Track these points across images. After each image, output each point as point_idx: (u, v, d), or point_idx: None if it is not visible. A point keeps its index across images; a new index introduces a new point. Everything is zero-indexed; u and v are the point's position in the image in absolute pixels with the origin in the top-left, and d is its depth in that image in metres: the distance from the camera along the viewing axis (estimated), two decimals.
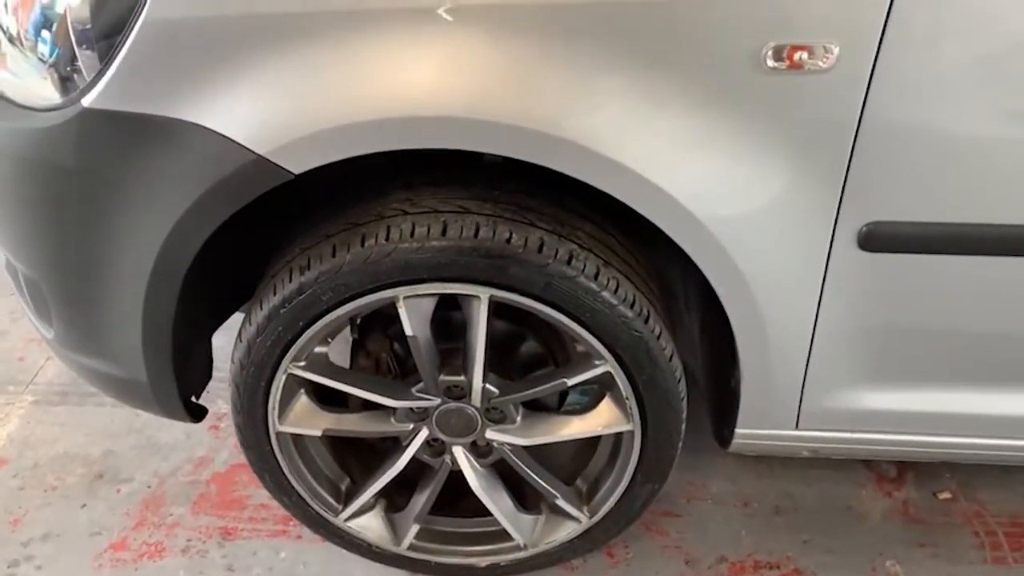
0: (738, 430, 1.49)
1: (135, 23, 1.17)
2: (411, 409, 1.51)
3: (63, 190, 1.32)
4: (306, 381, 1.48)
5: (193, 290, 1.35)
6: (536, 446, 1.55)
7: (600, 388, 1.48)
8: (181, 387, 1.49)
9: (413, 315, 1.36)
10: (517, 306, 1.33)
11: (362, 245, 1.29)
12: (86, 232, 1.33)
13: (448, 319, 1.47)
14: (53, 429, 2.14)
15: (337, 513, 1.63)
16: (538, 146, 1.16)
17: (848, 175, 1.18)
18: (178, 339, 1.41)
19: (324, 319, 1.36)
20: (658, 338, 1.37)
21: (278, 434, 1.52)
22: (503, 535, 1.65)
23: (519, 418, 1.52)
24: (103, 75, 1.21)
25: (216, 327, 1.64)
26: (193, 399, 1.58)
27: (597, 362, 1.39)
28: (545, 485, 1.57)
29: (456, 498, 1.66)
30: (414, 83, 1.14)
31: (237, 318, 1.56)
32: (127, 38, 1.18)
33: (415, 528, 1.64)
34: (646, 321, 1.35)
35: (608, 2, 1.10)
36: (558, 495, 1.58)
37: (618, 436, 1.52)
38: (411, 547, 1.67)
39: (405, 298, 1.33)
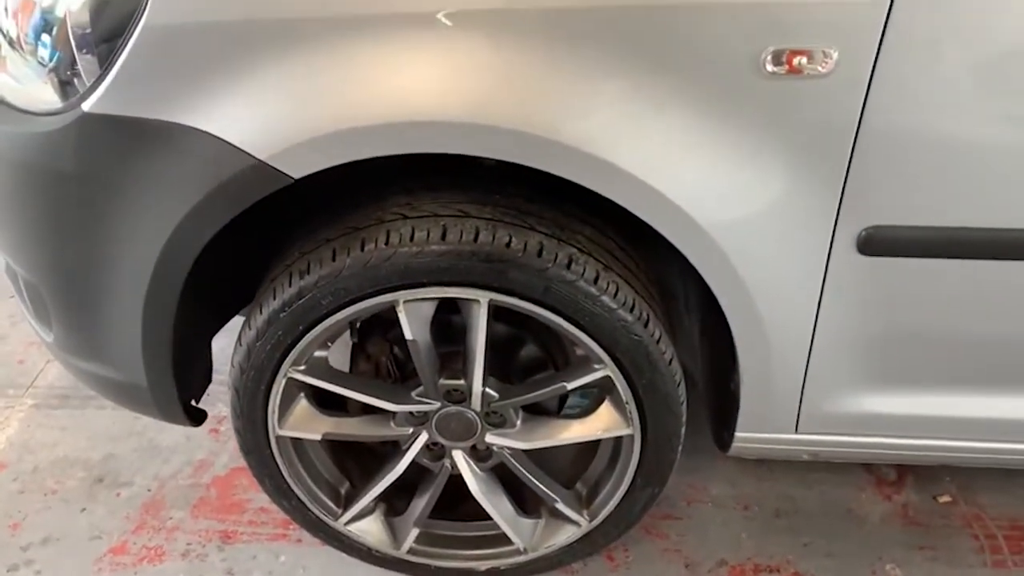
0: (738, 434, 1.49)
1: (135, 28, 1.17)
2: (411, 413, 1.51)
3: (63, 194, 1.32)
4: (306, 385, 1.48)
5: (193, 294, 1.35)
6: (536, 450, 1.55)
7: (600, 392, 1.48)
8: (181, 391, 1.49)
9: (413, 319, 1.36)
10: (517, 310, 1.33)
11: (362, 249, 1.29)
12: (86, 236, 1.33)
13: (448, 323, 1.47)
14: (53, 433, 2.14)
15: (337, 517, 1.63)
16: (538, 151, 1.16)
17: (847, 179, 1.18)
18: (178, 343, 1.41)
19: (324, 323, 1.36)
20: (658, 342, 1.37)
21: (278, 438, 1.52)
22: (503, 539, 1.65)
23: (519, 422, 1.52)
24: (103, 80, 1.21)
25: (216, 330, 1.64)
26: (193, 403, 1.58)
27: (597, 366, 1.39)
28: (545, 489, 1.57)
29: (456, 502, 1.66)
30: (413, 88, 1.14)
31: (237, 321, 1.56)
32: (127, 43, 1.18)
33: (415, 532, 1.64)
34: (646, 325, 1.35)
35: (609, 7, 1.10)
36: (558, 499, 1.58)
37: (618, 440, 1.52)
38: (411, 551, 1.67)
39: (405, 302, 1.33)
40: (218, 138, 1.18)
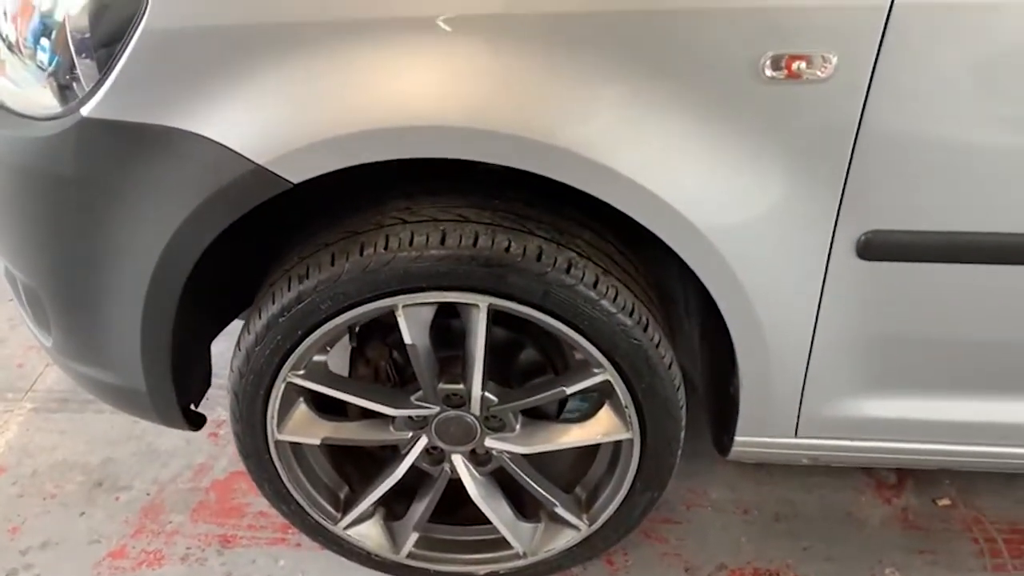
0: (737, 438, 1.49)
1: (134, 33, 1.17)
2: (410, 417, 1.51)
3: (62, 199, 1.32)
4: (305, 389, 1.48)
5: (192, 298, 1.35)
6: (535, 454, 1.54)
7: (599, 396, 1.48)
8: (180, 395, 1.49)
9: (412, 324, 1.36)
10: (516, 314, 1.33)
11: (361, 254, 1.29)
12: (85, 241, 1.33)
13: (447, 327, 1.47)
14: (52, 436, 2.14)
15: (336, 521, 1.63)
16: (537, 155, 1.16)
17: (846, 184, 1.18)
18: (177, 347, 1.41)
19: (323, 328, 1.36)
20: (657, 346, 1.37)
21: (277, 443, 1.52)
22: (502, 543, 1.65)
23: (518, 426, 1.52)
24: (102, 85, 1.21)
25: (215, 335, 1.64)
26: (192, 407, 1.58)
27: (596, 370, 1.39)
28: (544, 493, 1.57)
29: (455, 506, 1.65)
30: (412, 92, 1.14)
31: (237, 325, 1.56)
32: (126, 48, 1.18)
33: (414, 536, 1.64)
34: (645, 329, 1.35)
35: (608, 12, 1.10)
36: (557, 503, 1.58)
37: (617, 444, 1.52)
38: (410, 555, 1.67)
39: (404, 307, 1.33)
40: (217, 143, 1.18)
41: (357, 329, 1.56)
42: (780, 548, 1.83)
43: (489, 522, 1.61)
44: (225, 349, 1.53)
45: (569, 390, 1.43)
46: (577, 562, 1.72)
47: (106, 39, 1.21)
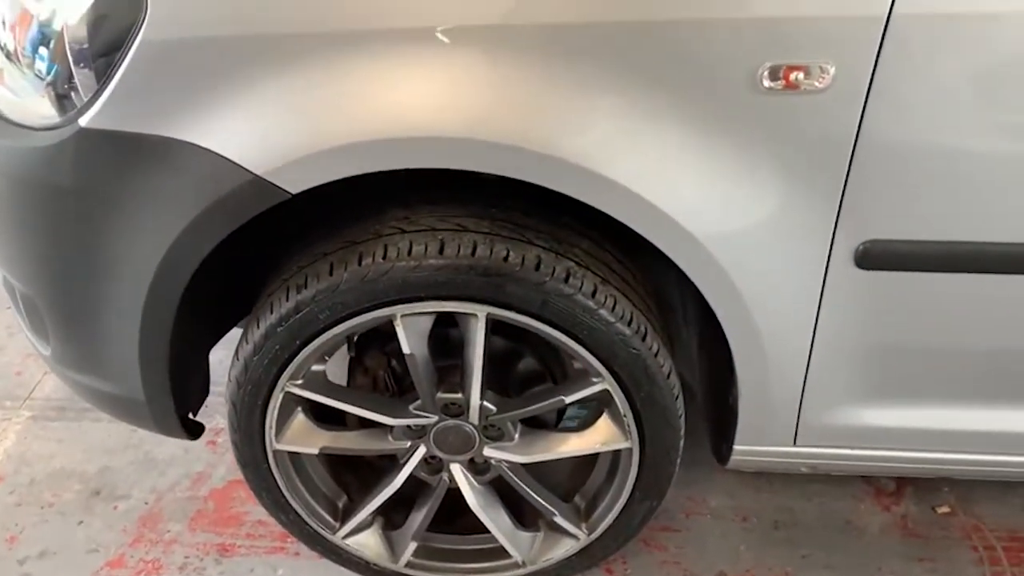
0: (736, 446, 1.49)
1: (132, 43, 1.17)
2: (408, 427, 1.51)
3: (60, 209, 1.32)
4: (303, 399, 1.48)
5: (190, 307, 1.35)
6: (534, 463, 1.54)
7: (598, 405, 1.48)
8: (178, 404, 1.49)
9: (411, 333, 1.36)
10: (514, 324, 1.33)
11: (359, 263, 1.29)
12: (83, 251, 1.33)
13: (446, 336, 1.47)
14: (50, 445, 2.13)
15: (334, 531, 1.63)
16: (536, 166, 1.16)
17: (845, 194, 1.18)
18: (175, 356, 1.41)
19: (321, 337, 1.36)
20: (656, 355, 1.37)
21: (275, 452, 1.52)
22: (501, 552, 1.65)
23: (517, 435, 1.51)
24: (100, 95, 1.21)
25: (213, 343, 1.63)
26: (190, 416, 1.57)
27: (595, 379, 1.39)
28: (543, 502, 1.57)
29: (454, 515, 1.65)
30: (411, 104, 1.14)
31: (236, 333, 1.55)
32: (124, 58, 1.18)
33: (413, 545, 1.64)
34: (644, 339, 1.35)
35: (607, 23, 1.10)
36: (556, 512, 1.57)
37: (616, 453, 1.52)
38: (409, 564, 1.67)
39: (403, 316, 1.33)
40: (215, 153, 1.18)
41: (355, 338, 1.56)
42: (779, 556, 1.83)
43: (488, 531, 1.61)
44: (224, 357, 1.53)
45: (568, 399, 1.43)
46: (576, 571, 1.71)
47: (104, 49, 1.21)
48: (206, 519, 1.92)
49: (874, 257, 1.23)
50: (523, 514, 1.66)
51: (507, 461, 1.53)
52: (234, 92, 1.17)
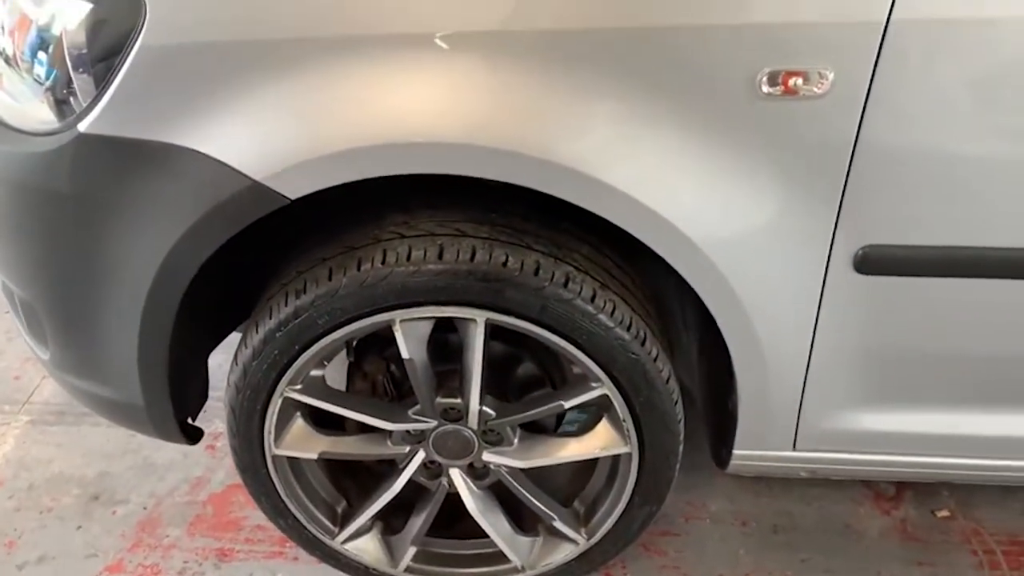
0: (736, 451, 1.49)
1: (131, 49, 1.17)
2: (407, 432, 1.51)
3: (59, 215, 1.32)
4: (302, 404, 1.48)
5: (189, 312, 1.35)
6: (533, 468, 1.54)
7: (597, 410, 1.48)
8: (177, 409, 1.49)
9: (410, 338, 1.36)
10: (514, 329, 1.33)
11: (358, 268, 1.29)
12: (82, 256, 1.33)
13: (445, 341, 1.47)
14: (49, 449, 2.13)
15: (333, 535, 1.63)
16: (535, 172, 1.16)
17: (843, 199, 1.18)
18: (174, 361, 1.41)
19: (320, 342, 1.35)
20: (655, 360, 1.36)
21: (274, 457, 1.52)
22: (500, 557, 1.64)
23: (516, 440, 1.51)
24: (99, 101, 1.21)
25: (212, 348, 1.63)
26: (189, 420, 1.57)
27: (594, 384, 1.39)
28: (542, 507, 1.57)
29: (453, 520, 1.65)
30: (410, 109, 1.14)
31: (235, 337, 1.55)
32: (123, 64, 1.18)
33: (412, 550, 1.64)
34: (643, 343, 1.34)
35: (606, 29, 1.10)
36: (555, 517, 1.57)
37: (616, 458, 1.52)
38: (408, 569, 1.67)
39: (401, 321, 1.33)
40: (214, 159, 1.18)
41: (354, 343, 1.56)
42: (778, 560, 1.82)
43: (487, 536, 1.61)
44: (223, 361, 1.53)
45: (567, 404, 1.43)
46: None
47: (103, 54, 1.21)
48: (205, 524, 1.92)
49: (873, 262, 1.23)
50: (522, 519, 1.65)
51: (506, 466, 1.53)
52: (233, 97, 1.17)
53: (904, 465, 1.50)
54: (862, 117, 1.12)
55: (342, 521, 1.64)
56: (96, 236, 1.30)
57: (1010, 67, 1.11)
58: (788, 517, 1.92)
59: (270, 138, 1.17)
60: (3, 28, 1.33)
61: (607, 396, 1.39)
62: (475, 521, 1.59)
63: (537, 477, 1.58)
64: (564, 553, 1.64)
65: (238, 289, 1.52)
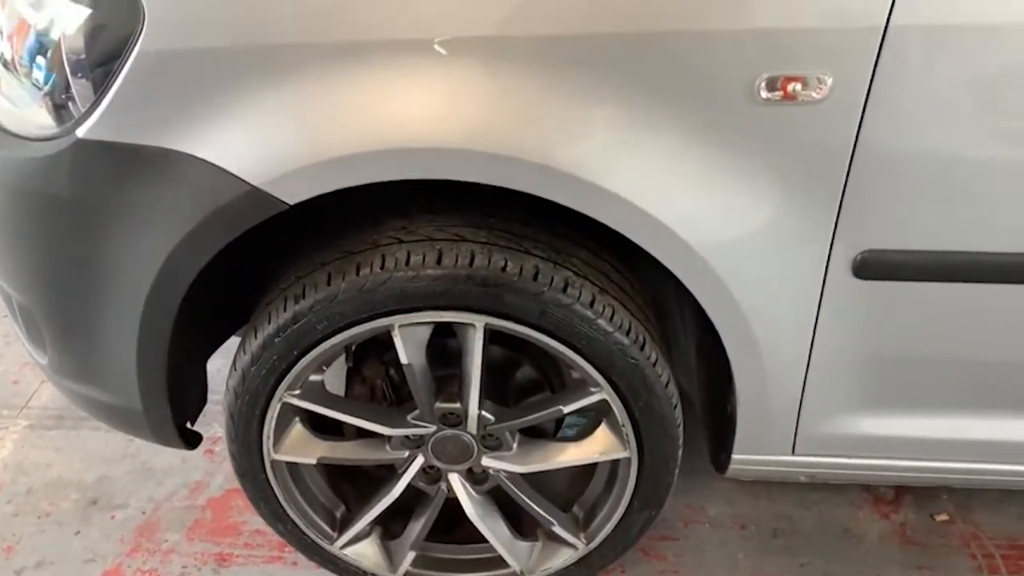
0: (735, 455, 1.49)
1: (129, 54, 1.17)
2: (407, 436, 1.51)
3: (57, 219, 1.32)
4: (301, 409, 1.47)
5: (188, 317, 1.35)
6: (532, 473, 1.54)
7: (596, 415, 1.48)
8: (175, 414, 1.49)
9: (408, 343, 1.36)
10: (513, 334, 1.33)
11: (357, 274, 1.29)
12: (80, 261, 1.33)
13: (444, 345, 1.47)
14: (47, 454, 2.13)
15: (332, 540, 1.63)
16: (534, 177, 1.16)
17: (842, 204, 1.18)
18: (172, 366, 1.41)
19: (319, 348, 1.35)
20: (654, 365, 1.36)
21: (273, 462, 1.52)
22: (499, 562, 1.64)
23: (515, 445, 1.51)
24: (97, 106, 1.21)
25: (211, 352, 1.63)
26: (188, 425, 1.57)
27: (593, 389, 1.39)
28: (541, 512, 1.56)
29: (452, 525, 1.65)
30: (409, 115, 1.14)
31: (233, 341, 1.55)
32: (122, 69, 1.18)
33: (411, 555, 1.64)
34: (642, 348, 1.34)
35: (605, 34, 1.10)
36: (555, 522, 1.57)
37: (615, 463, 1.52)
38: (407, 574, 1.67)
39: (400, 327, 1.33)
40: (213, 165, 1.18)
41: (353, 348, 1.55)
42: (777, 564, 1.82)
43: (486, 541, 1.61)
44: (222, 366, 1.53)
45: (566, 409, 1.43)
46: None
47: (102, 60, 1.21)
48: (204, 528, 1.92)
49: (871, 267, 1.23)
50: (521, 523, 1.65)
51: (505, 470, 1.53)
52: (232, 103, 1.17)
53: (903, 469, 1.50)
54: (861, 122, 1.12)
55: (341, 526, 1.64)
56: (95, 241, 1.29)
57: (1008, 72, 1.11)
58: (787, 521, 1.92)
59: (268, 143, 1.17)
60: (2, 33, 1.33)
61: (606, 401, 1.39)
62: (474, 526, 1.59)
63: (536, 482, 1.58)
64: (563, 558, 1.64)
65: (237, 294, 1.51)
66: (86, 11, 1.21)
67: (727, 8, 1.08)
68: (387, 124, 1.15)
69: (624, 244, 1.23)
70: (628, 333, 1.33)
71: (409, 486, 1.56)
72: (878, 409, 1.41)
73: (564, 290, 1.28)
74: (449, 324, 1.34)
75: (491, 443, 1.51)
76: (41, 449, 2.14)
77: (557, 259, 1.30)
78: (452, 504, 1.58)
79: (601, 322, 1.30)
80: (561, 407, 1.43)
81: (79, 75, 1.23)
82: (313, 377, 1.44)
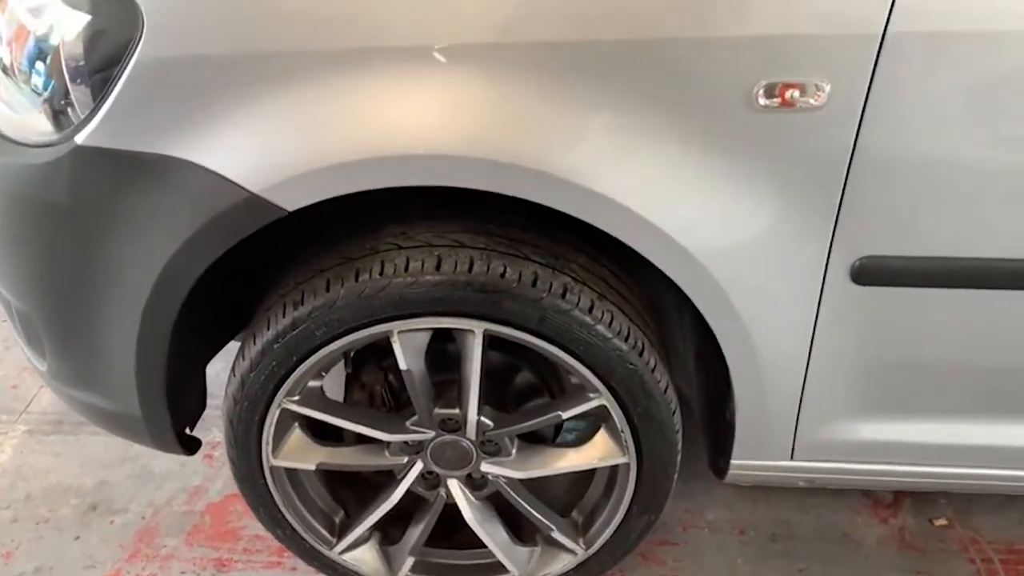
0: (734, 461, 1.49)
1: (128, 61, 1.17)
2: (405, 442, 1.50)
3: (56, 226, 1.32)
4: (300, 415, 1.47)
5: (187, 323, 1.35)
6: (531, 478, 1.54)
7: (595, 420, 1.48)
8: (175, 420, 1.49)
9: (407, 349, 1.36)
10: (512, 340, 1.33)
11: (356, 280, 1.29)
12: (80, 268, 1.33)
13: (443, 350, 1.47)
14: (46, 459, 2.12)
15: (331, 546, 1.63)
16: (533, 183, 1.16)
17: (841, 210, 1.19)
18: (171, 372, 1.41)
19: (318, 354, 1.35)
20: (653, 371, 1.36)
21: (272, 468, 1.52)
22: (498, 567, 1.64)
23: (514, 451, 1.51)
24: (97, 112, 1.21)
25: (210, 358, 1.63)
26: (187, 430, 1.57)
27: (592, 395, 1.39)
28: (540, 517, 1.56)
29: (451, 530, 1.65)
30: (408, 122, 1.15)
31: (233, 345, 1.55)
32: (121, 76, 1.18)
33: (410, 561, 1.64)
34: (641, 354, 1.34)
35: (602, 41, 1.11)
36: (554, 527, 1.57)
37: (614, 468, 1.52)
38: None
39: (399, 333, 1.33)
40: (212, 171, 1.18)
41: (352, 354, 1.55)
42: (776, 569, 1.82)
43: (485, 546, 1.61)
44: (221, 370, 1.53)
45: (565, 415, 1.43)
46: None
47: (101, 66, 1.21)
48: (203, 534, 1.92)
49: (870, 273, 1.23)
50: (520, 529, 1.65)
51: (504, 476, 1.53)
52: (231, 110, 1.17)
53: (902, 475, 1.50)
54: (859, 129, 1.12)
55: (340, 531, 1.64)
56: (94, 248, 1.30)
57: (1006, 79, 1.11)
58: (786, 526, 1.92)
59: (267, 150, 1.17)
60: (1, 38, 1.33)
61: (605, 407, 1.39)
62: (473, 531, 1.59)
63: (535, 487, 1.58)
64: (562, 563, 1.63)
65: (236, 299, 1.51)
66: (85, 17, 1.22)
67: (725, 15, 1.09)
68: (385, 131, 1.15)
69: (623, 249, 1.23)
70: (627, 339, 1.33)
71: (408, 492, 1.56)
72: (877, 415, 1.41)
73: (563, 296, 1.28)
74: (448, 329, 1.34)
75: (490, 449, 1.51)
76: (40, 454, 2.14)
77: (556, 265, 1.30)
78: (451, 509, 1.58)
79: (600, 328, 1.30)
80: (560, 412, 1.43)
81: (78, 81, 1.23)
82: (312, 383, 1.44)
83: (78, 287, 1.35)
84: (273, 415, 1.43)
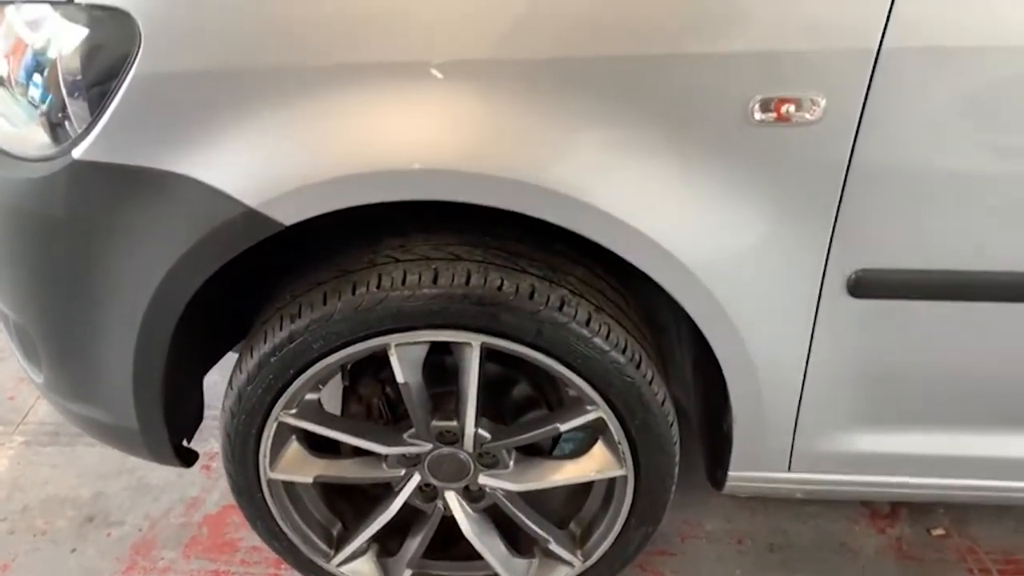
0: (731, 472, 1.49)
1: (126, 75, 1.17)
2: (403, 455, 1.50)
3: (53, 240, 1.32)
4: (297, 428, 1.47)
5: (184, 336, 1.35)
6: (529, 491, 1.54)
7: (593, 432, 1.48)
8: (172, 432, 1.49)
9: (404, 362, 1.36)
10: (509, 353, 1.33)
11: (353, 293, 1.29)
12: (77, 282, 1.33)
13: (440, 364, 1.47)
14: (43, 470, 2.12)
15: (329, 558, 1.62)
16: (529, 198, 1.16)
17: (837, 224, 1.19)
18: (169, 385, 1.41)
19: (315, 367, 1.35)
20: (650, 383, 1.37)
21: (269, 481, 1.51)
22: None
23: (512, 463, 1.51)
24: (94, 127, 1.21)
25: (207, 369, 1.63)
26: (184, 442, 1.57)
27: (589, 407, 1.39)
28: (538, 530, 1.56)
29: (449, 542, 1.65)
30: (404, 137, 1.15)
31: (232, 356, 1.55)
32: (118, 90, 1.18)
33: (408, 573, 1.64)
34: (638, 366, 1.35)
35: (600, 57, 1.11)
36: (551, 539, 1.57)
37: (611, 480, 1.52)
38: None
39: (397, 346, 1.33)
40: (209, 186, 1.18)
41: (349, 367, 1.55)
42: None
43: (483, 558, 1.60)
44: (219, 380, 1.53)
45: (563, 427, 1.43)
46: None
47: (98, 80, 1.21)
48: (200, 546, 1.91)
49: (866, 286, 1.24)
50: (518, 541, 1.65)
51: (502, 489, 1.53)
52: (228, 125, 1.17)
53: (899, 486, 1.50)
54: (854, 143, 1.13)
55: (338, 544, 1.63)
56: (91, 262, 1.30)
57: (1001, 93, 1.11)
58: (784, 535, 1.92)
59: (264, 165, 1.17)
60: None
61: (603, 419, 1.39)
62: (471, 544, 1.59)
63: (533, 499, 1.58)
64: (560, 575, 1.63)
65: (233, 311, 1.51)
66: (83, 31, 1.22)
67: (721, 31, 1.09)
68: (382, 146, 1.15)
69: (620, 262, 1.24)
70: (624, 351, 1.33)
71: (406, 504, 1.55)
72: (874, 426, 1.41)
73: (560, 309, 1.28)
74: (445, 342, 1.34)
75: (487, 461, 1.51)
76: (37, 466, 2.14)
77: (553, 278, 1.31)
78: (449, 522, 1.58)
79: (597, 340, 1.30)
80: (557, 425, 1.43)
81: (75, 95, 1.23)
82: (309, 396, 1.44)
83: (75, 300, 1.35)
84: (270, 428, 1.43)
